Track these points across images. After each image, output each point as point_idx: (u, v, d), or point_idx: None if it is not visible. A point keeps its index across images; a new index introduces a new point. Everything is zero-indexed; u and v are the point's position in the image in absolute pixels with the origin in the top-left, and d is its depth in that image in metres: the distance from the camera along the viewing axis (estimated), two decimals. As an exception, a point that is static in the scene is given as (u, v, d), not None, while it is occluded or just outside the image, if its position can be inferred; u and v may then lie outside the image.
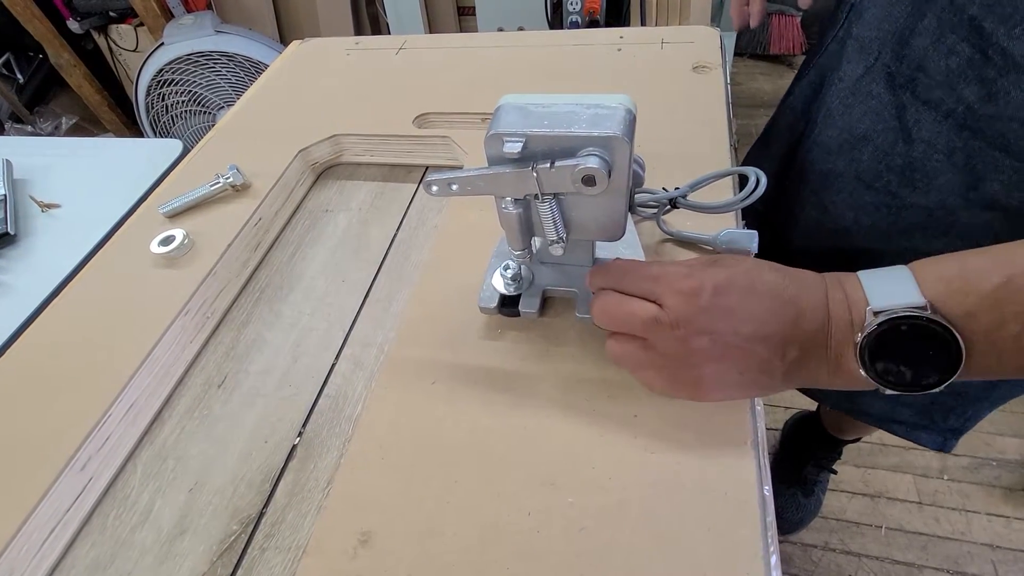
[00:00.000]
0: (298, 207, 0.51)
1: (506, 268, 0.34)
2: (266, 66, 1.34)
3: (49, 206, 0.60)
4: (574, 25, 1.16)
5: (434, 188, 0.30)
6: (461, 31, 1.61)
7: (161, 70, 1.34)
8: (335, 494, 0.30)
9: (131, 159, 0.66)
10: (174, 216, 0.47)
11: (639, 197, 0.36)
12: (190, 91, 1.38)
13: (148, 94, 1.39)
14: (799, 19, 1.93)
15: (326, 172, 0.55)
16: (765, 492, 0.29)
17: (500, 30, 1.40)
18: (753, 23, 0.57)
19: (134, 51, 1.60)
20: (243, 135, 0.56)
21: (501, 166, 0.28)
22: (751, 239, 0.34)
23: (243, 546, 0.31)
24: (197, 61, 1.33)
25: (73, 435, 0.34)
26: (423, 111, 0.54)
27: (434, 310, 0.37)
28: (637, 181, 0.37)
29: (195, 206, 0.47)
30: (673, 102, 0.49)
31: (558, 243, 0.30)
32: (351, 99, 0.58)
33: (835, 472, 0.98)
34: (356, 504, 0.29)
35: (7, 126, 1.67)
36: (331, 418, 0.36)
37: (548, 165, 0.27)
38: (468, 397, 0.32)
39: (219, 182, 0.47)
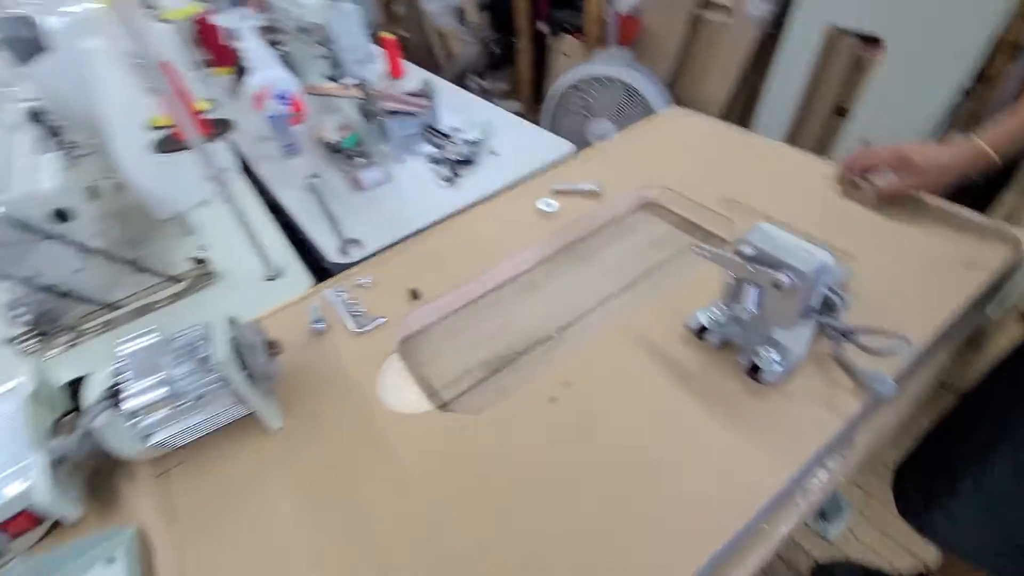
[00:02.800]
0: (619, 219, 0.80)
1: (712, 310, 0.56)
2: (644, 98, 1.69)
3: (493, 153, 1.03)
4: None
5: (699, 252, 0.53)
6: (830, 131, 1.68)
7: (578, 81, 1.81)
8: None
9: (535, 144, 1.05)
10: (557, 193, 0.80)
11: (825, 320, 0.53)
12: (584, 100, 1.82)
13: (563, 95, 1.89)
14: None
15: (646, 205, 0.83)
16: None
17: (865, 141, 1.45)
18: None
19: (566, 56, 2.14)
20: (605, 160, 0.87)
21: (739, 257, 0.49)
22: (885, 382, 0.48)
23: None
24: (600, 81, 1.76)
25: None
26: (735, 197, 0.75)
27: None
28: (830, 305, 0.53)
29: (570, 191, 0.80)
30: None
31: (747, 311, 0.50)
32: (683, 163, 0.83)
33: None
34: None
35: (470, 80, 2.43)
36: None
37: (760, 267, 0.47)
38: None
39: (583, 188, 0.79)
